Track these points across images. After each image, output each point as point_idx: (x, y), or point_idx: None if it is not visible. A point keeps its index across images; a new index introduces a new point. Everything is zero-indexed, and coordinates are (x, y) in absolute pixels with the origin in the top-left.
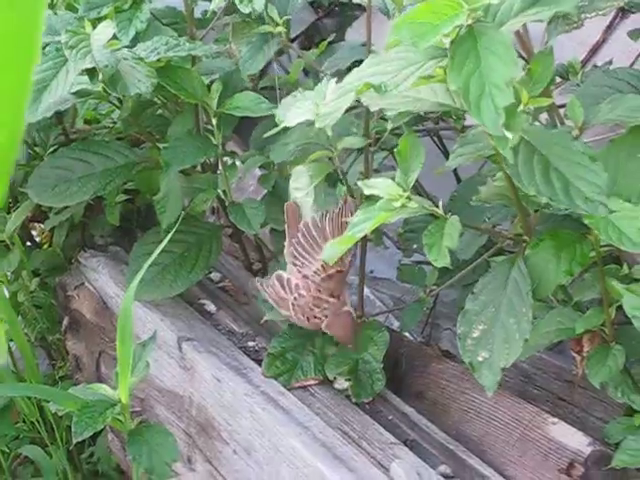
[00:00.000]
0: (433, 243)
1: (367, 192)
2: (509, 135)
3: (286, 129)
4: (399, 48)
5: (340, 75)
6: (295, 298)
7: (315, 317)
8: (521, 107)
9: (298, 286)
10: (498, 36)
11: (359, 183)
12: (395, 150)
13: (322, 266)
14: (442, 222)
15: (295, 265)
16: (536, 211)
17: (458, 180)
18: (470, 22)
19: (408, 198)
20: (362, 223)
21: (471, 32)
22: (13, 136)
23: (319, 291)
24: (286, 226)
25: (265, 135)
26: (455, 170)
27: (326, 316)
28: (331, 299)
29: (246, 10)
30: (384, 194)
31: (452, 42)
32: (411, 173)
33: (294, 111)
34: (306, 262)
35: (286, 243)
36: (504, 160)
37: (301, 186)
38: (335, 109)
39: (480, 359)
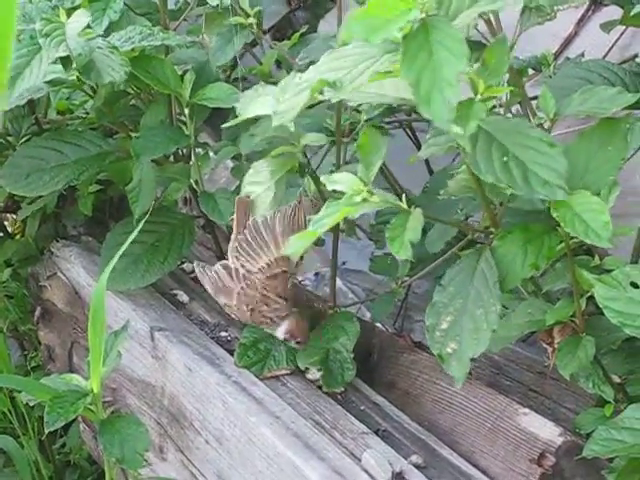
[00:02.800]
0: (395, 236)
1: (330, 187)
2: (458, 130)
3: (256, 120)
4: (356, 43)
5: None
6: (242, 288)
7: (263, 315)
8: (478, 97)
9: (245, 276)
10: (450, 30)
11: (322, 178)
12: (356, 144)
13: (267, 264)
14: (406, 215)
15: (238, 260)
16: (501, 204)
17: (430, 172)
18: (423, 16)
19: (369, 192)
20: (324, 218)
21: (424, 26)
22: None
23: (265, 289)
24: (234, 220)
25: (226, 125)
26: (427, 163)
27: (278, 317)
28: (279, 299)
29: (214, 2)
30: (346, 189)
31: (404, 37)
32: (372, 167)
33: (255, 104)
34: (250, 259)
35: (232, 237)
36: (462, 150)
37: (261, 181)
38: (291, 107)
39: (449, 350)
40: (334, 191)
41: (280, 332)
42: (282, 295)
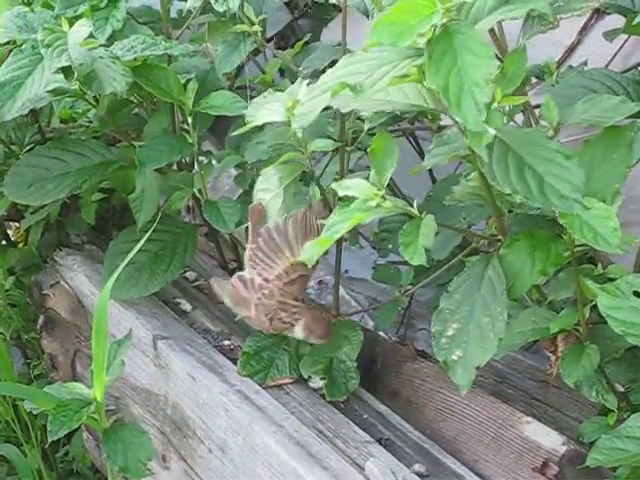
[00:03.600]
0: (409, 242)
1: (341, 193)
2: (492, 131)
3: (260, 128)
4: (373, 48)
5: (317, 75)
6: (259, 298)
7: (282, 321)
8: (495, 105)
9: (262, 286)
10: (472, 34)
11: (333, 185)
12: (368, 150)
13: (285, 271)
14: (418, 221)
15: (254, 269)
16: (510, 211)
17: (433, 181)
18: (445, 21)
19: (383, 197)
20: (338, 224)
21: (446, 31)
22: None
23: (282, 295)
24: (249, 229)
25: (234, 133)
26: (431, 171)
27: (296, 319)
28: (296, 303)
29: (221, 9)
30: (359, 194)
31: (428, 41)
32: (385, 172)
33: (264, 112)
34: (267, 266)
35: (247, 246)
36: (479, 159)
37: (270, 187)
38: (311, 109)
39: (454, 358)
40: (340, 199)
41: (298, 331)
42: (299, 298)
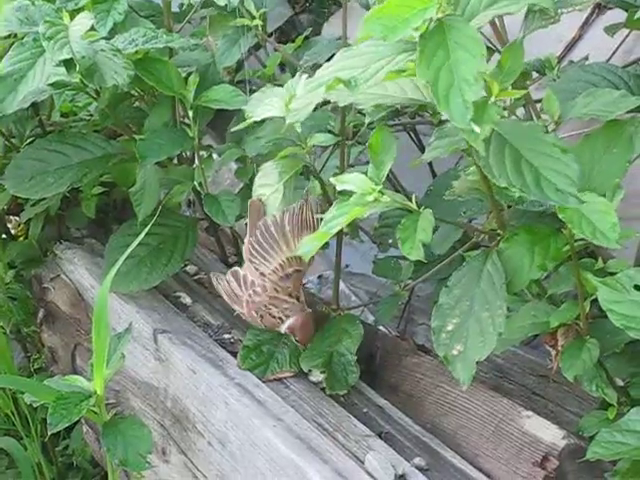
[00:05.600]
0: (407, 237)
1: (340, 187)
2: (477, 129)
3: (261, 122)
4: (369, 42)
5: (315, 70)
6: (250, 295)
7: (272, 316)
8: (492, 99)
9: (254, 283)
10: (467, 30)
11: (331, 179)
12: (367, 144)
13: (280, 265)
14: (416, 216)
15: (252, 262)
16: (509, 206)
17: (434, 176)
18: (440, 16)
19: (381, 192)
20: (336, 218)
21: (441, 26)
22: None
23: (276, 290)
24: (248, 223)
25: (234, 128)
26: (431, 166)
27: (287, 316)
28: (289, 299)
29: (222, 2)
30: (357, 189)
31: (421, 36)
32: (383, 167)
33: (263, 107)
34: (263, 260)
35: (245, 240)
36: (475, 152)
37: (270, 182)
38: (305, 104)
39: (455, 352)
40: (340, 193)
41: (283, 327)
42: (293, 294)
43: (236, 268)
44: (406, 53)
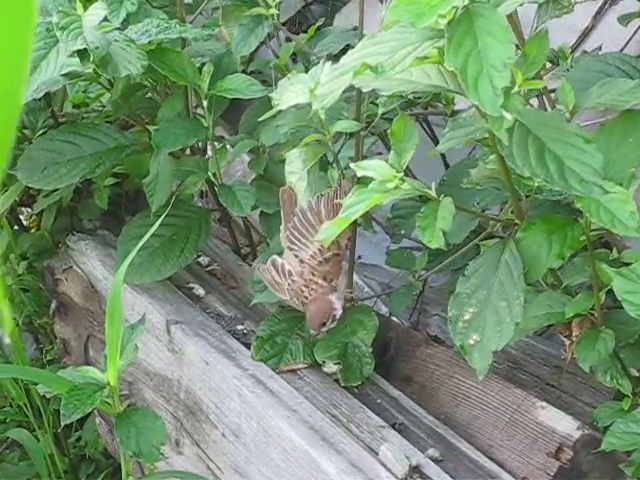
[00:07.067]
0: (427, 225)
1: (360, 174)
2: (508, 115)
3: (278, 111)
4: (394, 29)
5: (331, 59)
6: (289, 284)
7: (306, 298)
8: (515, 89)
9: (291, 272)
10: (494, 17)
11: (351, 165)
12: (389, 131)
13: (319, 249)
14: (435, 204)
15: (291, 250)
16: (527, 196)
17: (446, 167)
18: (467, 2)
19: (401, 180)
20: (356, 205)
21: (467, 13)
22: (12, 109)
23: (313, 274)
24: (282, 211)
25: (260, 119)
26: (444, 157)
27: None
28: (323, 282)
29: None
30: (377, 175)
31: (449, 23)
32: (404, 154)
33: (288, 94)
34: (302, 246)
35: (282, 228)
36: (498, 142)
37: (295, 170)
38: (332, 90)
39: (471, 342)
40: (359, 180)
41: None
42: (327, 278)
43: (275, 256)
44: (431, 40)
